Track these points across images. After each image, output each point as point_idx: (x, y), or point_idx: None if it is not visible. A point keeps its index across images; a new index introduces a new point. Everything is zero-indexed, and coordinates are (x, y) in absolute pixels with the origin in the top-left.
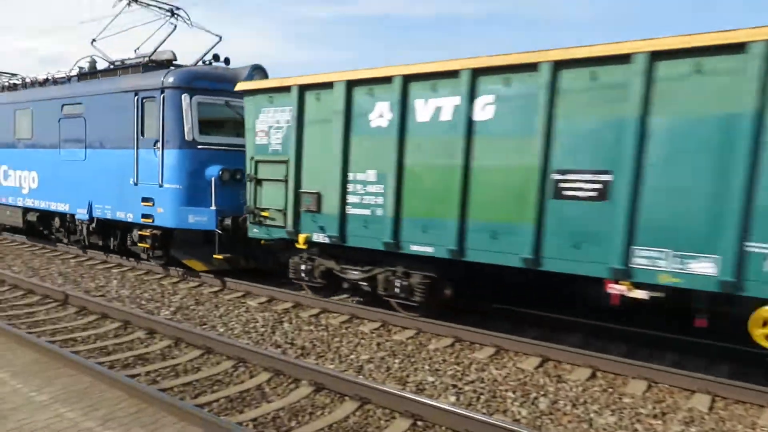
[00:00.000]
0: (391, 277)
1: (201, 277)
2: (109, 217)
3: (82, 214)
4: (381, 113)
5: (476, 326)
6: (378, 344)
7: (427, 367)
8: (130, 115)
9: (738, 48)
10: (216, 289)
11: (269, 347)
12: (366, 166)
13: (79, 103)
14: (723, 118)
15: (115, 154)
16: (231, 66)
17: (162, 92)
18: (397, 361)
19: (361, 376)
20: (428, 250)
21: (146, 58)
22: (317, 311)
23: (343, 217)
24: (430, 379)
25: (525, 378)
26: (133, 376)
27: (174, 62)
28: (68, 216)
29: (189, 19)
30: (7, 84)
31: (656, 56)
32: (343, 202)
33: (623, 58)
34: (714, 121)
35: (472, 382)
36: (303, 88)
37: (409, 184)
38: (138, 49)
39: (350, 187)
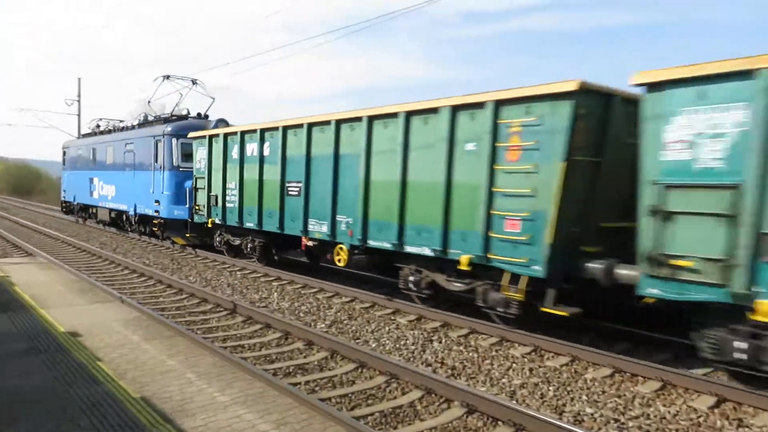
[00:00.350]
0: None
1: (354, 295)
2: (141, 212)
3: (132, 211)
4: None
5: (593, 345)
6: (531, 369)
7: (584, 397)
8: (151, 150)
9: None
10: (367, 305)
11: (420, 365)
12: None
13: (132, 143)
14: None
15: (145, 173)
16: (214, 117)
17: (163, 137)
18: (551, 388)
19: (514, 401)
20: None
21: (170, 114)
22: (466, 332)
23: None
24: (589, 410)
25: (698, 418)
26: (295, 384)
27: (188, 116)
28: (128, 213)
29: (205, 87)
30: (101, 130)
31: None
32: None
33: None
34: None
35: (637, 417)
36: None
37: None
38: (177, 104)
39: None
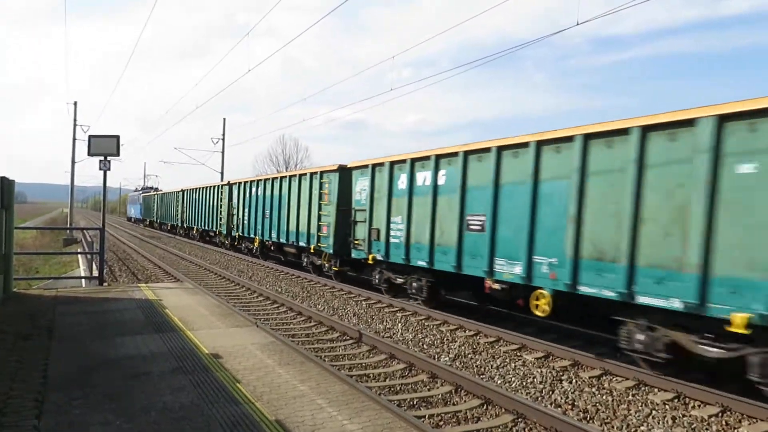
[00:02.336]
0: None
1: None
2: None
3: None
4: None
5: (744, 394)
6: (673, 418)
7: None
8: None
9: None
10: (492, 339)
11: (549, 405)
12: None
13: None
14: None
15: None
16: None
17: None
18: None
19: None
20: None
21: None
22: (599, 373)
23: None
24: None
25: None
26: (419, 417)
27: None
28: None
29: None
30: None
31: None
32: None
33: None
34: None
35: None
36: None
37: None
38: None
39: None
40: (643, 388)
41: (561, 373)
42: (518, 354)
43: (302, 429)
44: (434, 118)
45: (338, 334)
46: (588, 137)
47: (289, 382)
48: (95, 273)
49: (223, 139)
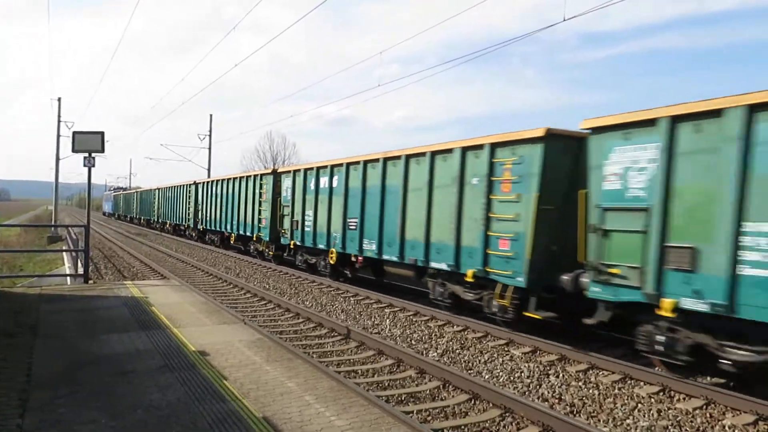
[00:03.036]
0: None
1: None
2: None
3: None
4: None
5: (727, 387)
6: (659, 411)
7: None
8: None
9: None
10: (480, 335)
11: (536, 400)
12: None
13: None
14: None
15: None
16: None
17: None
18: None
19: None
20: None
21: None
22: (585, 367)
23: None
24: None
25: None
26: (407, 413)
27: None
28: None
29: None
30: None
31: None
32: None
33: None
34: None
35: None
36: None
37: None
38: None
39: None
40: (629, 382)
41: (548, 368)
42: (506, 349)
43: (290, 425)
44: (422, 114)
45: (326, 330)
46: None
47: (276, 378)
48: (80, 270)
49: (210, 136)
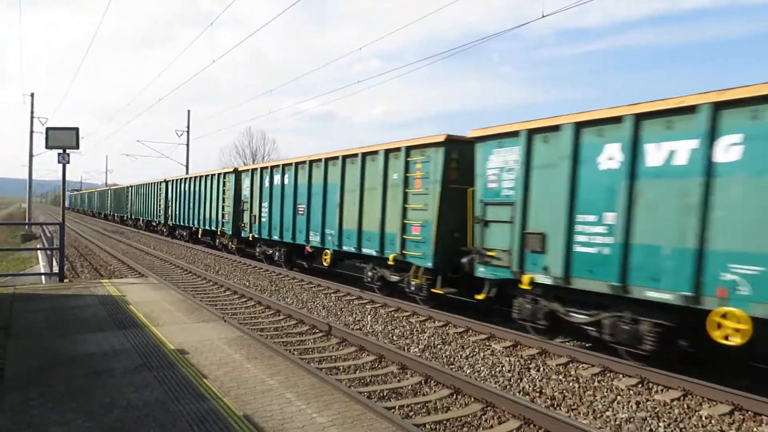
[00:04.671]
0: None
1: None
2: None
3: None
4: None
5: (706, 378)
6: (637, 403)
7: None
8: None
9: None
10: (461, 330)
11: (517, 394)
12: None
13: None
14: None
15: None
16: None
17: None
18: (662, 424)
19: None
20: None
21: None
22: (565, 360)
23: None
24: None
25: None
26: (389, 408)
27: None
28: None
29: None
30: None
31: None
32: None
33: None
34: None
35: None
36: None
37: None
38: None
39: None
40: (608, 375)
41: (529, 362)
42: (487, 343)
43: (271, 423)
44: (402, 109)
45: (307, 327)
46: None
47: (257, 376)
48: (56, 269)
49: (188, 132)
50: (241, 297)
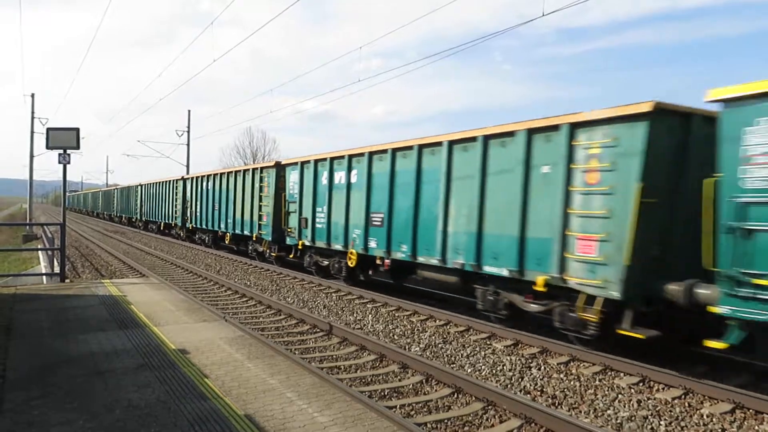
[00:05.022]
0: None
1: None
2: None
3: None
4: None
5: (706, 377)
6: (639, 401)
7: None
8: None
9: None
10: (462, 329)
11: (518, 392)
12: None
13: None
14: None
15: None
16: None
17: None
18: (663, 423)
19: None
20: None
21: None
22: (567, 359)
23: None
24: None
25: None
26: (390, 408)
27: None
28: None
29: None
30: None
31: None
32: None
33: None
34: None
35: None
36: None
37: None
38: None
39: None
40: (609, 373)
41: (530, 361)
42: (488, 342)
43: (272, 423)
44: (403, 109)
45: (308, 326)
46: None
47: (258, 376)
48: (57, 269)
49: (188, 131)
50: (242, 296)
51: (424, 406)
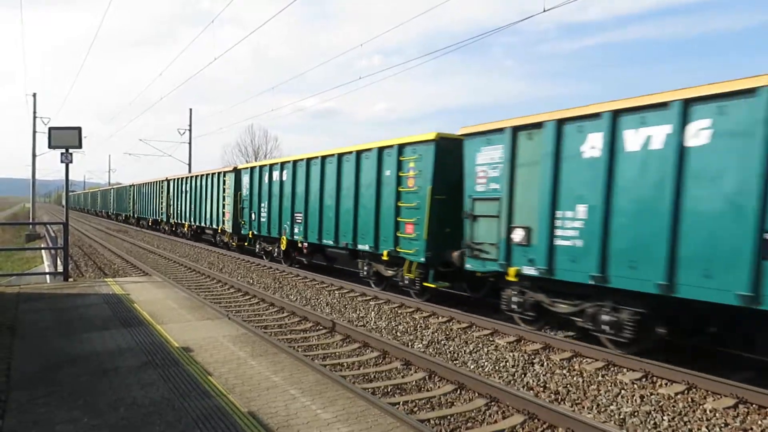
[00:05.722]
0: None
1: (450, 314)
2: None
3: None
4: None
5: (710, 372)
6: (641, 397)
7: (705, 429)
8: None
9: None
10: (465, 325)
11: (521, 389)
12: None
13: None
14: None
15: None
16: None
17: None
18: (666, 418)
19: (624, 431)
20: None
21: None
22: (569, 355)
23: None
24: None
25: None
26: (393, 404)
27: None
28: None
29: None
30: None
31: None
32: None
33: None
34: None
35: None
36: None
37: None
38: None
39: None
40: (612, 369)
41: (533, 357)
42: (491, 339)
43: (276, 419)
44: (404, 106)
45: (311, 324)
46: (341, 156)
47: (261, 373)
48: (60, 268)
49: (190, 130)
50: (245, 294)
51: (427, 403)
